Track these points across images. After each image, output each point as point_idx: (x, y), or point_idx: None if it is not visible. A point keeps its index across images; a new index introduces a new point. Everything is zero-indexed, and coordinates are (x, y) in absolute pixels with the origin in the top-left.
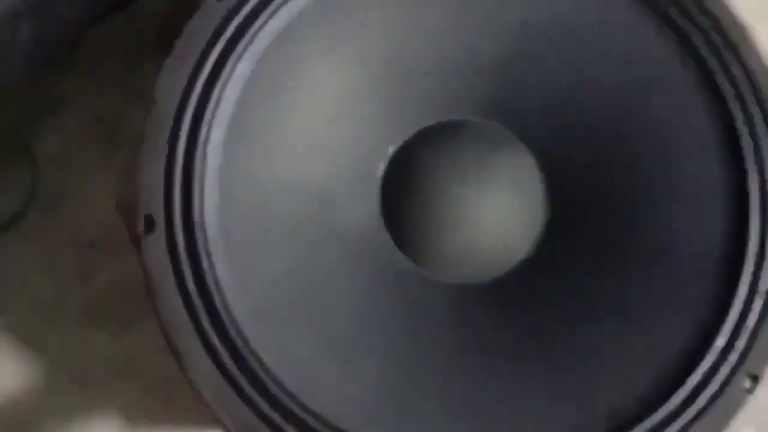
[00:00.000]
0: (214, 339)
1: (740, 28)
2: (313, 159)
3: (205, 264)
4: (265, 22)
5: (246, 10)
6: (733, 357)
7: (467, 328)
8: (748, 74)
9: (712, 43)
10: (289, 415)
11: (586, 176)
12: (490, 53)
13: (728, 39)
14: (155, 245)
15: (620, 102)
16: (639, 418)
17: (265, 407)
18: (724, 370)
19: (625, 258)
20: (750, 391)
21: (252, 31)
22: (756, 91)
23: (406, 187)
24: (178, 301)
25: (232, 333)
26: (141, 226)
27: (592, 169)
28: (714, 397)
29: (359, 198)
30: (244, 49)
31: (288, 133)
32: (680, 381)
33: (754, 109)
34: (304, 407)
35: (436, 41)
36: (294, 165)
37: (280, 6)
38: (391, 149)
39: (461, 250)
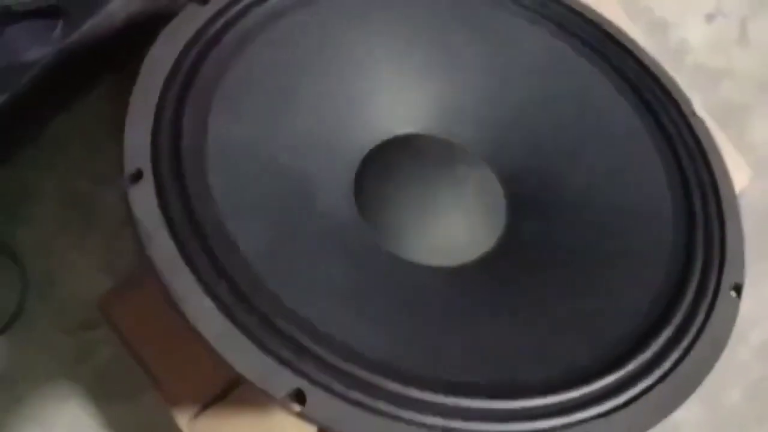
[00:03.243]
0: (213, 279)
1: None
2: (295, 143)
3: (197, 205)
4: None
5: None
6: (713, 275)
7: (451, 298)
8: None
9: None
10: (302, 350)
11: (539, 183)
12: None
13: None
14: (143, 192)
15: (566, 114)
16: (646, 339)
17: (275, 346)
18: (710, 288)
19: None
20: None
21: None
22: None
23: (377, 182)
24: (171, 246)
25: (231, 271)
26: (127, 183)
27: (545, 175)
28: (708, 314)
29: (336, 188)
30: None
31: (276, 117)
32: (670, 311)
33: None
34: (319, 339)
35: (429, 75)
36: (279, 145)
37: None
38: (366, 149)
39: (429, 241)
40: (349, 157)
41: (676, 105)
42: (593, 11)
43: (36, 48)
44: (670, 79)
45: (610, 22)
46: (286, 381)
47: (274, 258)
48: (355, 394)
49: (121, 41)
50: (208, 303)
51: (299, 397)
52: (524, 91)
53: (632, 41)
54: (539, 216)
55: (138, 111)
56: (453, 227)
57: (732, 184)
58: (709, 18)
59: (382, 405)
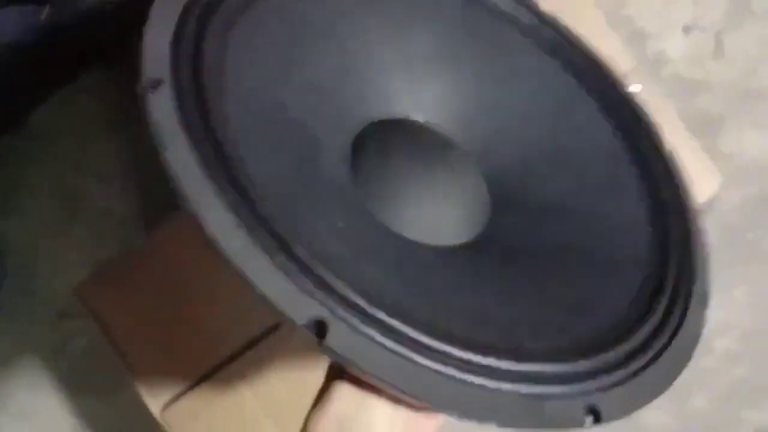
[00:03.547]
0: (232, 193)
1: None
2: (302, 95)
3: (214, 121)
4: None
5: None
6: (684, 282)
7: (445, 269)
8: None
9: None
10: (324, 284)
11: (526, 185)
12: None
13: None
14: (162, 99)
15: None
16: (630, 330)
17: (297, 273)
18: (682, 293)
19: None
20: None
21: None
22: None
23: (374, 157)
24: (188, 155)
25: (250, 191)
26: (146, 89)
27: (531, 179)
28: (684, 312)
29: (336, 150)
30: None
31: (288, 65)
32: (652, 305)
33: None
34: (340, 275)
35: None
36: (288, 90)
37: None
38: (365, 120)
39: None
40: (349, 124)
41: (649, 131)
42: (580, 38)
43: (22, 31)
44: (644, 108)
45: (593, 51)
46: (308, 308)
47: (284, 194)
48: (376, 334)
49: (109, 31)
50: (228, 216)
51: (320, 327)
52: (519, 100)
53: (611, 68)
54: (523, 214)
55: (159, 22)
56: (442, 211)
57: (696, 203)
58: (687, 30)
59: (401, 348)
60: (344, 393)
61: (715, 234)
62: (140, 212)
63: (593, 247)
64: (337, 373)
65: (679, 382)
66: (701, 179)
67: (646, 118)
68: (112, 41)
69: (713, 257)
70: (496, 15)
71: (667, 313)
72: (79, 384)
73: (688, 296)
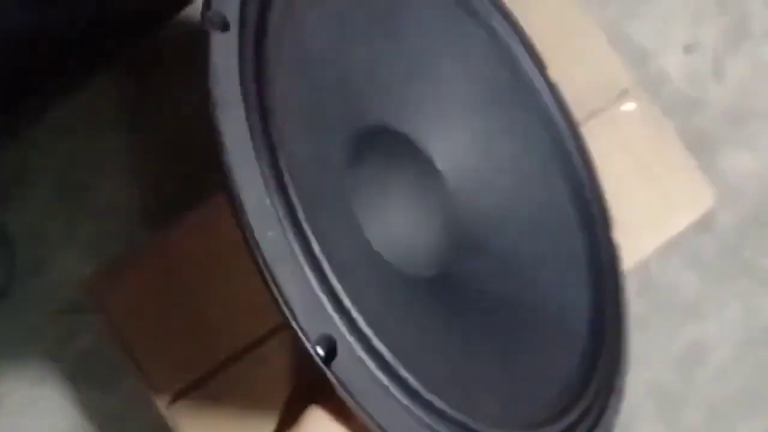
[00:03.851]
0: (269, 168)
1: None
2: (340, 85)
3: (270, 79)
4: None
5: None
6: (610, 376)
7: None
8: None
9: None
10: (342, 309)
11: (487, 236)
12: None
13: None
14: (227, 46)
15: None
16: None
17: (320, 283)
18: (605, 388)
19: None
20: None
21: None
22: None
23: (370, 169)
24: (241, 125)
25: (282, 161)
26: (212, 24)
27: (492, 233)
28: (603, 409)
29: (342, 150)
30: None
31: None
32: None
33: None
34: (356, 302)
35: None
36: (328, 75)
37: None
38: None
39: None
40: (358, 122)
41: (605, 221)
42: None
43: (25, 30)
44: (606, 199)
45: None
46: (321, 324)
47: (309, 185)
48: (378, 371)
49: (115, 30)
50: (267, 204)
51: (329, 348)
52: (507, 158)
53: (595, 164)
54: (485, 265)
55: None
56: (420, 239)
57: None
58: (688, 49)
59: (398, 392)
60: (318, 421)
61: (711, 251)
62: (146, 209)
63: (538, 318)
64: (309, 389)
65: (672, 395)
66: (698, 197)
67: (607, 211)
68: (120, 41)
69: (710, 273)
70: (520, 74)
71: (594, 400)
72: (83, 379)
73: (611, 388)
